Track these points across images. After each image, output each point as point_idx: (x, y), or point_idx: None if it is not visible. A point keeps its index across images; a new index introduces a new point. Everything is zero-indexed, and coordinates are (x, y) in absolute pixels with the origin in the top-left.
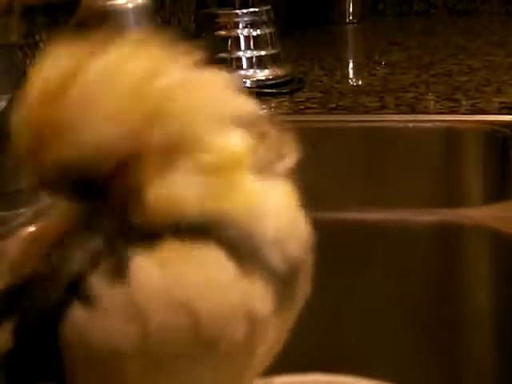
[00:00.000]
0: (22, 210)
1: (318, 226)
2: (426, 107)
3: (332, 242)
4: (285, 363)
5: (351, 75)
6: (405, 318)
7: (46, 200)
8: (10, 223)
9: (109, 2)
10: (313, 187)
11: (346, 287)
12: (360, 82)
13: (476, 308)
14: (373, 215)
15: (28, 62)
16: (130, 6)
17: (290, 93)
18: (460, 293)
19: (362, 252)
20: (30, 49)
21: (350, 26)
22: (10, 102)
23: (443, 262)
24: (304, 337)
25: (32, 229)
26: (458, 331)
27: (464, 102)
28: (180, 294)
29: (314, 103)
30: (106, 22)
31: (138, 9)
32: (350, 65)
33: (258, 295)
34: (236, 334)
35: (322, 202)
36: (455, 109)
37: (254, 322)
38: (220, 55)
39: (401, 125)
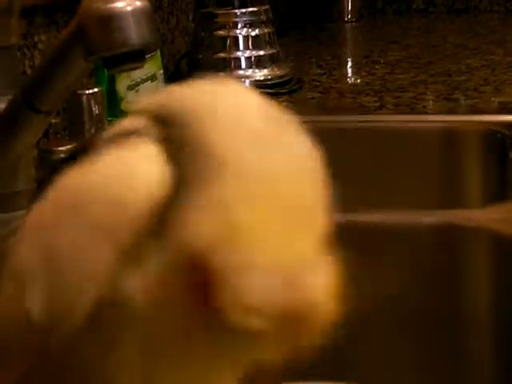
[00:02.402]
0: (20, 212)
1: None
2: (424, 107)
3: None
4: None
5: (350, 74)
6: (404, 318)
7: None
8: (9, 225)
9: (108, 5)
10: None
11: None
12: (359, 81)
13: (475, 308)
14: (371, 217)
15: (27, 62)
16: (128, 9)
17: (289, 93)
18: (459, 293)
19: (360, 253)
20: (28, 50)
21: (348, 25)
22: None
23: (442, 262)
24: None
25: None
26: (457, 331)
27: (463, 102)
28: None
29: (313, 103)
30: (105, 25)
31: (137, 11)
32: (349, 64)
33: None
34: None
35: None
36: (454, 109)
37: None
38: (219, 55)
39: (399, 125)
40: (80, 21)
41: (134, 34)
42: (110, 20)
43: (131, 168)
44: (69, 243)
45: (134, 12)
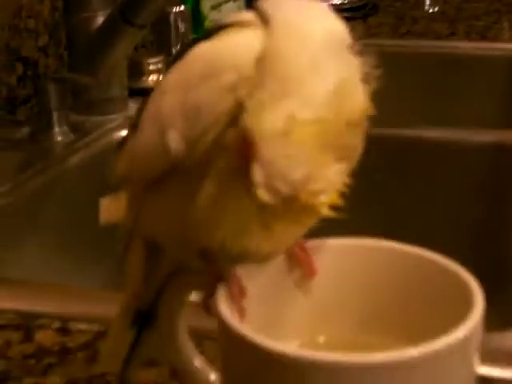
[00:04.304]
0: (114, 116)
1: (383, 142)
2: (496, 36)
3: (392, 158)
4: None
5: (426, 1)
6: (455, 237)
7: (132, 109)
8: (104, 126)
9: None
10: (382, 106)
11: (402, 203)
12: (434, 10)
13: None
14: (435, 133)
15: None
16: None
17: (364, 17)
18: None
19: (419, 168)
20: None
21: None
22: None
23: (497, 182)
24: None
25: (122, 133)
26: (508, 249)
27: None
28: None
29: (387, 28)
30: None
31: None
32: None
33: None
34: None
35: (388, 120)
36: None
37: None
38: None
39: (469, 52)
40: None
41: None
42: None
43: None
44: (200, 95)
45: None
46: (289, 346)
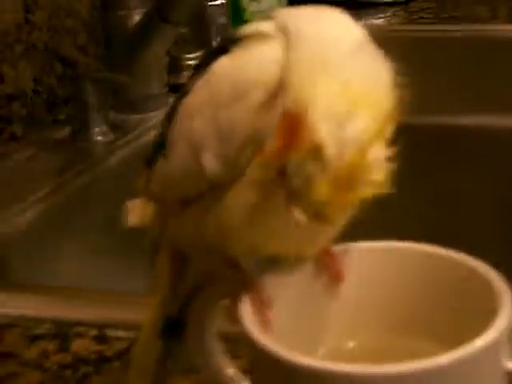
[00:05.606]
0: (153, 114)
1: (420, 130)
2: None
3: (428, 146)
4: None
5: None
6: (493, 221)
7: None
8: (144, 125)
9: None
10: (421, 94)
11: (441, 189)
12: None
13: None
14: (476, 120)
15: None
16: None
17: (406, 2)
18: None
19: (457, 155)
20: None
21: None
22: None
23: None
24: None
25: None
26: None
27: None
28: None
29: (428, 13)
30: None
31: None
32: None
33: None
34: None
35: (432, 107)
36: None
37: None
38: None
39: (510, 34)
40: None
41: None
42: None
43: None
44: (231, 116)
45: None
46: (312, 357)
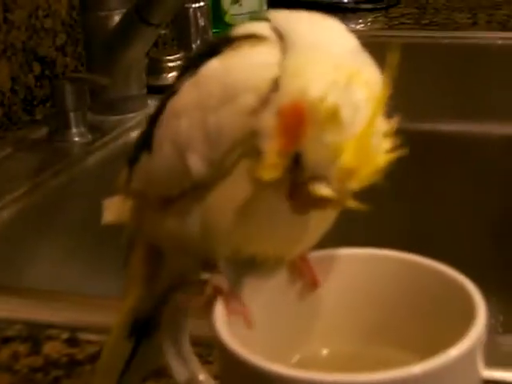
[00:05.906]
0: (132, 115)
1: (407, 136)
2: None
3: (419, 152)
4: None
5: None
6: (480, 228)
7: (151, 107)
8: (123, 126)
9: None
10: (404, 100)
11: (429, 195)
12: None
13: None
14: (457, 127)
15: None
16: None
17: (386, 8)
18: None
19: (438, 161)
20: None
21: None
22: None
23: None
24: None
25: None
26: None
27: None
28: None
29: (409, 19)
30: None
31: None
32: None
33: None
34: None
35: (412, 113)
36: None
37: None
38: None
39: (490, 42)
40: None
41: None
42: None
43: (254, 60)
44: (220, 119)
45: None
46: (285, 363)
